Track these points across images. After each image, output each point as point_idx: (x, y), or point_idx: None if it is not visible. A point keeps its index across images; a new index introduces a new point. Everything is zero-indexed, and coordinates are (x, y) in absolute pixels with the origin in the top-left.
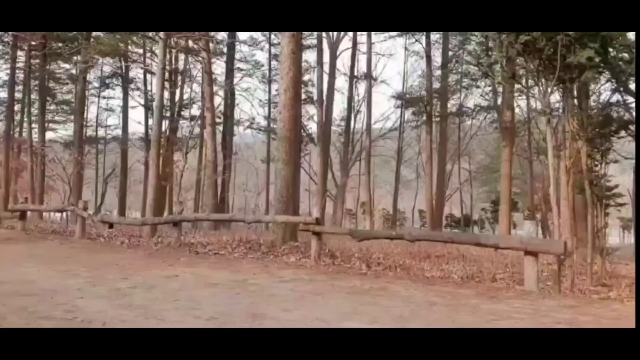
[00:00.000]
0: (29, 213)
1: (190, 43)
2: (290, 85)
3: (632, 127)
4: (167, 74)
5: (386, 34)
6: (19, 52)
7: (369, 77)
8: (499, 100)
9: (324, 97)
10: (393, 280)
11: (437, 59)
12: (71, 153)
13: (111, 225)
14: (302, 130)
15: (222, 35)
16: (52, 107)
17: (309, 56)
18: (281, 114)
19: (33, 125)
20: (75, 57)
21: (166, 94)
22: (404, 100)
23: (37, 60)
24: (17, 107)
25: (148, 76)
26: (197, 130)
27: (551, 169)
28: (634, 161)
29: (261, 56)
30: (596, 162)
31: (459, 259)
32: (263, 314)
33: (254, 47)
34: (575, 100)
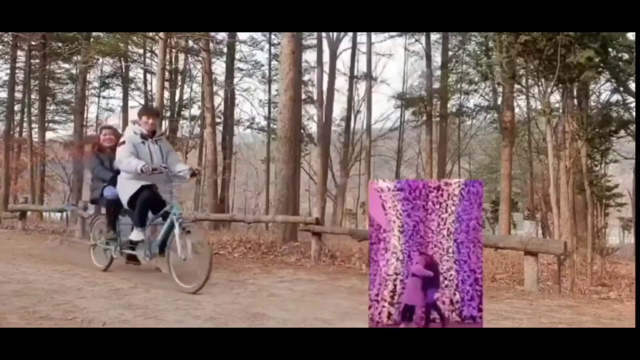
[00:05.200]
0: (29, 213)
1: (190, 43)
2: (290, 86)
3: (632, 127)
4: (167, 74)
5: (386, 34)
6: (19, 52)
7: (369, 77)
8: (499, 100)
9: (324, 97)
10: None
11: (437, 59)
12: (71, 153)
13: None
14: (302, 130)
15: (222, 35)
16: (52, 107)
17: (309, 56)
18: (281, 114)
19: (33, 125)
20: (75, 57)
21: (166, 94)
22: (404, 100)
23: (37, 60)
24: (17, 107)
25: (148, 76)
26: (197, 130)
27: (551, 169)
28: (634, 161)
29: (261, 56)
30: (596, 162)
31: None
32: (263, 314)
33: (254, 47)
34: (575, 100)
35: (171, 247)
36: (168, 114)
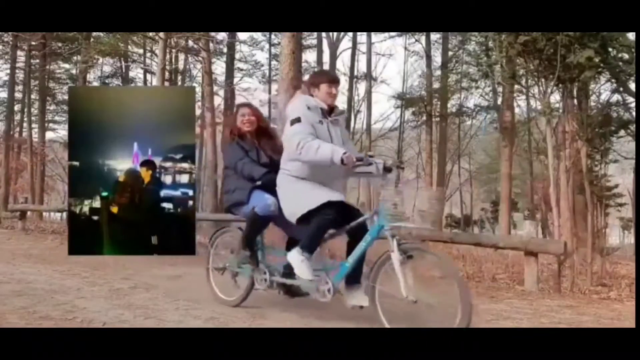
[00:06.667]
0: (29, 213)
1: (190, 43)
2: (290, 86)
3: (632, 127)
4: (167, 74)
5: (386, 34)
6: (19, 52)
7: (369, 77)
8: (499, 100)
9: None
10: None
11: (437, 59)
12: None
13: None
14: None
15: (222, 35)
16: (52, 107)
17: (309, 56)
18: (281, 114)
19: (33, 125)
20: (75, 57)
21: None
22: (404, 100)
23: (37, 60)
24: (17, 107)
25: (148, 76)
26: (197, 130)
27: (551, 169)
28: (634, 161)
29: (261, 56)
30: (596, 162)
31: (459, 259)
32: (263, 314)
33: (254, 47)
34: (575, 100)
35: (380, 279)
36: None
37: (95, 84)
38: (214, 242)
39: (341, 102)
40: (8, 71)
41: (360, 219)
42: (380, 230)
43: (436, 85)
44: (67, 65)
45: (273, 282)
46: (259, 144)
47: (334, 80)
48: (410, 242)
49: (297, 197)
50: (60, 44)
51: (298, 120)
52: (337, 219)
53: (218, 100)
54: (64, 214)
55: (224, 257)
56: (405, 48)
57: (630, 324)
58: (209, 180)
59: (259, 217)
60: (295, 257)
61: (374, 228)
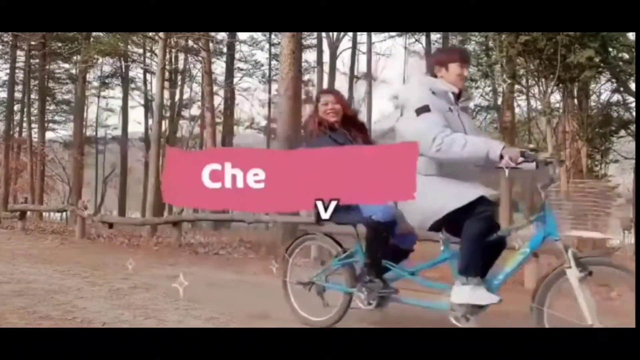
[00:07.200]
0: (28, 213)
1: (190, 43)
2: (290, 85)
3: (632, 127)
4: (167, 74)
5: (386, 34)
6: (19, 52)
7: (369, 77)
8: (499, 100)
9: None
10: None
11: None
12: (71, 153)
13: (111, 225)
14: (302, 130)
15: (222, 35)
16: (52, 107)
17: (309, 56)
18: (281, 114)
19: (33, 125)
20: (75, 57)
21: (166, 94)
22: None
23: (37, 60)
24: (16, 107)
25: (148, 76)
26: (197, 130)
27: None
28: (634, 161)
29: (261, 56)
30: (596, 162)
31: None
32: (263, 314)
33: (254, 47)
34: (576, 100)
35: (550, 301)
36: (168, 114)
37: (95, 84)
38: (293, 251)
39: None
40: (8, 71)
41: (516, 226)
42: (544, 241)
43: None
44: (67, 65)
45: (384, 299)
46: (351, 137)
47: (467, 60)
48: (590, 255)
49: (432, 195)
50: (60, 44)
51: (426, 109)
52: (494, 215)
53: (218, 100)
54: (64, 214)
55: (307, 270)
56: (405, 48)
57: (631, 324)
58: None
59: (382, 225)
60: (462, 292)
61: (535, 238)
